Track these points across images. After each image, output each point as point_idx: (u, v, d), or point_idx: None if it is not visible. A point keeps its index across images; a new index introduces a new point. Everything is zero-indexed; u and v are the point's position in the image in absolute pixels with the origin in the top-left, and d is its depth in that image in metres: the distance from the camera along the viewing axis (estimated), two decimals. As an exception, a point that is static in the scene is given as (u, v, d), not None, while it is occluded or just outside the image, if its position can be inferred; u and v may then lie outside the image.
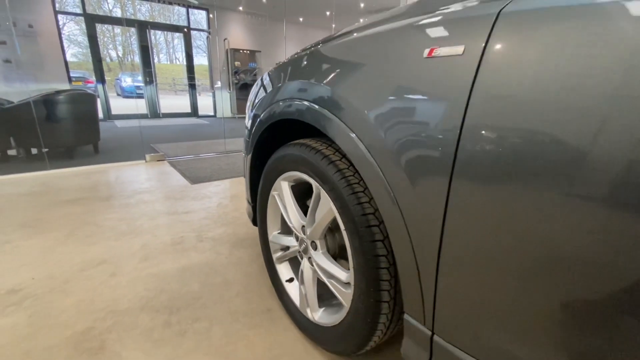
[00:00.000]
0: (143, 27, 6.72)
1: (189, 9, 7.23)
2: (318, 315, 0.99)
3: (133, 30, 6.97)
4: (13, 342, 1.03)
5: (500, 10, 0.47)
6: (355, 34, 0.79)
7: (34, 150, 3.33)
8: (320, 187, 0.85)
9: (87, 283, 1.34)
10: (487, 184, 0.47)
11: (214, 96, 8.04)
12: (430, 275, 0.59)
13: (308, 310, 1.02)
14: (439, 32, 0.55)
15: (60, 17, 5.89)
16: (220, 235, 1.78)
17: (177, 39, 7.87)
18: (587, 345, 0.41)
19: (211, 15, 7.44)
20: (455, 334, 0.58)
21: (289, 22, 8.61)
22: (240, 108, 8.01)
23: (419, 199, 0.57)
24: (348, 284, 0.83)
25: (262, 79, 1.22)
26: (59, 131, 3.23)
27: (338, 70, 0.77)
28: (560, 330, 0.43)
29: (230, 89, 8.01)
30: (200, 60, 8.95)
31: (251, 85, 8.35)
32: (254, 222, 1.34)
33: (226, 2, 7.17)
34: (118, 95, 14.35)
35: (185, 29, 7.33)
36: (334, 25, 9.08)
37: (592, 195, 0.37)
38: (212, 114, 8.28)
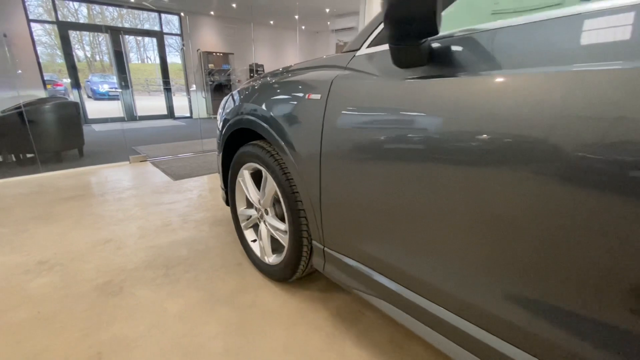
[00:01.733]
0: (116, 33, 6.90)
1: (162, 14, 7.45)
2: (271, 259, 1.48)
3: (105, 33, 7.13)
4: (53, 291, 1.45)
5: (333, 79, 0.97)
6: (278, 79, 1.27)
7: (25, 156, 3.61)
8: (267, 172, 1.33)
9: (100, 254, 1.76)
10: (335, 164, 0.96)
11: (189, 99, 8.29)
12: (318, 214, 1.08)
13: (265, 257, 1.50)
14: (312, 85, 1.05)
15: (33, 24, 6.00)
16: (201, 218, 2.23)
17: (149, 39, 7.91)
18: (396, 232, 0.91)
19: (183, 20, 7.69)
20: (333, 245, 1.08)
21: (259, 24, 8.95)
22: (215, 108, 8.32)
23: (309, 173, 1.06)
24: (286, 231, 1.32)
25: (232, 94, 1.67)
26: (47, 137, 3.52)
27: (270, 98, 1.25)
28: (381, 233, 0.93)
29: (205, 91, 8.30)
30: (173, 58, 9.06)
31: (225, 86, 8.68)
32: (227, 203, 1.80)
33: (198, 7, 7.44)
34: (89, 97, 14.14)
35: (159, 34, 7.55)
36: (303, 27, 9.50)
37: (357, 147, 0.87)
38: (188, 115, 8.54)
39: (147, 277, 1.56)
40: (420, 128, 0.72)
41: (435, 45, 0.74)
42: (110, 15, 8.24)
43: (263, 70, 9.17)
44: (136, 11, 7.56)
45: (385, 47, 0.85)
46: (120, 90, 7.24)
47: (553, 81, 0.54)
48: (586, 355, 0.54)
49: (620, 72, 0.47)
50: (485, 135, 0.60)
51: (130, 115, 7.40)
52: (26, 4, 5.95)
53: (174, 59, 8.80)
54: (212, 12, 7.80)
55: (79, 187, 2.90)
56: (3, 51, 5.86)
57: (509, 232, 0.60)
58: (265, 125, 1.24)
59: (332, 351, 1.13)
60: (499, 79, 0.61)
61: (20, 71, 5.99)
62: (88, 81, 15.05)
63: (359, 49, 0.96)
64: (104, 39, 6.87)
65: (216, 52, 8.12)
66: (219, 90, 8.54)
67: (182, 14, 7.54)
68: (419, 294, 0.82)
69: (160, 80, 8.32)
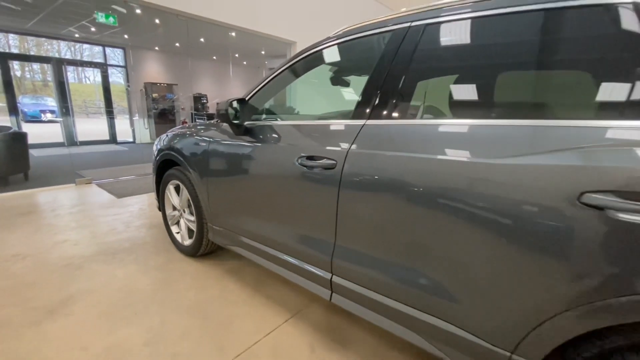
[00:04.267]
0: (59, 63, 7.27)
1: (106, 47, 7.97)
2: (187, 242, 2.32)
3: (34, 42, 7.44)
4: (30, 270, 2.13)
5: (212, 135, 1.91)
6: (187, 131, 2.18)
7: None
8: (182, 186, 2.20)
9: (60, 248, 2.44)
10: (213, 179, 1.88)
11: (132, 125, 8.73)
12: (207, 207, 1.98)
13: (184, 242, 2.34)
14: (203, 136, 1.99)
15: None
16: (140, 224, 2.98)
17: (87, 56, 8.08)
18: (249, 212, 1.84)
19: (127, 53, 8.27)
20: (215, 222, 1.98)
21: (203, 59, 9.80)
22: (159, 133, 8.83)
23: (202, 185, 1.96)
24: (194, 221, 2.18)
25: (166, 134, 2.49)
26: (-4, 163, 3.96)
27: (182, 142, 2.14)
28: (235, 212, 1.85)
29: (148, 117, 8.81)
30: (115, 78, 9.28)
31: (169, 112, 9.28)
32: (159, 209, 2.61)
33: (142, 43, 8.10)
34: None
35: (103, 66, 8.02)
36: (245, 63, 10.54)
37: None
38: (131, 140, 8.92)
39: (100, 259, 2.29)
40: (243, 160, 1.67)
41: (248, 125, 1.71)
42: (51, 45, 8.51)
43: (206, 99, 9.96)
44: (79, 43, 7.98)
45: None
46: (61, 117, 7.49)
47: (291, 135, 1.53)
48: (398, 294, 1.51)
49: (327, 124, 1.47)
50: (260, 161, 1.58)
51: (71, 140, 7.65)
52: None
53: (115, 78, 9.14)
54: (156, 48, 8.50)
55: (32, 205, 3.44)
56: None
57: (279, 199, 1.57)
58: (181, 158, 2.13)
59: (219, 285, 2.00)
60: (265, 145, 1.59)
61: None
62: (18, 102, 14.39)
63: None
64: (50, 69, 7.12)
65: (160, 83, 8.76)
66: (163, 116, 9.11)
67: (126, 48, 8.13)
68: (263, 244, 1.71)
69: (100, 103, 8.68)
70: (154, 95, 8.71)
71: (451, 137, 1.01)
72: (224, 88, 10.48)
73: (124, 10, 4.77)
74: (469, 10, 1.07)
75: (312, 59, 1.59)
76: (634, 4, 0.79)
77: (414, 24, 1.19)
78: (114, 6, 4.64)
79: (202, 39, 7.08)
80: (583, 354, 0.81)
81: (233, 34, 6.04)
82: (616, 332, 0.77)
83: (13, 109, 6.93)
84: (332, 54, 1.54)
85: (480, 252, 0.91)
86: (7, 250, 2.40)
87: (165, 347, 1.48)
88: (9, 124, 6.26)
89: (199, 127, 2.13)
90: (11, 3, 4.95)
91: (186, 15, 4.65)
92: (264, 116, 1.85)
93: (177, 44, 7.76)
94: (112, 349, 1.46)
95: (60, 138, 7.63)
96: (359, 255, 1.23)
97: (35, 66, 10.86)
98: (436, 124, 1.08)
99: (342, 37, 1.45)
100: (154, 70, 8.91)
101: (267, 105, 1.84)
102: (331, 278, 1.35)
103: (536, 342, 0.84)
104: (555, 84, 0.94)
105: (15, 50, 7.52)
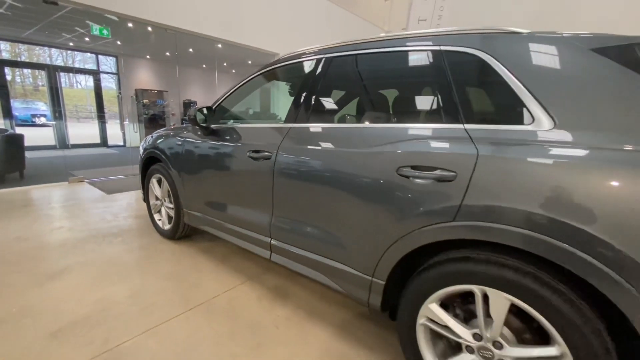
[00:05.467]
0: (53, 71, 7.64)
1: (99, 55, 8.36)
2: (167, 227, 2.74)
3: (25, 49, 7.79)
4: (32, 249, 2.51)
5: (186, 134, 2.36)
6: (168, 133, 2.62)
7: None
8: (164, 179, 2.63)
9: (57, 233, 2.83)
10: (187, 172, 2.31)
11: (123, 130, 9.09)
12: (183, 195, 2.41)
13: (164, 227, 2.76)
14: (180, 135, 2.43)
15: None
16: (127, 215, 3.38)
17: (80, 61, 8.39)
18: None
19: (119, 61, 8.67)
20: (189, 207, 2.41)
21: (193, 67, 10.24)
22: (149, 138, 9.19)
23: (179, 177, 2.40)
24: (173, 208, 2.61)
25: (151, 135, 2.93)
26: (-5, 162, 4.32)
27: (165, 142, 2.57)
28: (202, 197, 2.28)
29: (139, 122, 9.18)
30: (107, 84, 9.61)
31: (160, 117, 9.66)
32: (144, 200, 3.02)
33: (134, 51, 8.52)
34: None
35: (95, 73, 8.40)
36: (234, 71, 11.00)
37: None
38: (121, 143, 9.27)
39: (91, 241, 2.69)
40: (209, 155, 2.12)
41: (214, 128, 2.16)
42: (45, 52, 8.85)
43: (196, 105, 10.36)
44: (74, 51, 8.35)
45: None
46: (53, 121, 7.83)
47: (243, 135, 1.98)
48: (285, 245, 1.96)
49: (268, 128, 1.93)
50: (222, 156, 2.02)
51: (63, 143, 7.97)
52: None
53: (107, 83, 9.50)
54: (148, 56, 8.92)
55: (28, 200, 3.81)
56: None
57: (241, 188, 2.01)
58: (162, 156, 2.56)
59: (191, 260, 2.41)
60: (226, 143, 2.04)
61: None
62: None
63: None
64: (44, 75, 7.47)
65: (151, 90, 9.16)
66: (154, 121, 9.49)
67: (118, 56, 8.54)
68: (223, 220, 2.15)
69: (91, 107, 9.03)
70: (145, 101, 9.09)
71: (338, 135, 1.49)
72: (213, 95, 10.91)
73: (116, 19, 5.20)
74: (353, 49, 1.57)
75: (262, 77, 2.06)
76: (435, 50, 1.28)
77: (326, 55, 1.67)
78: (108, 15, 5.07)
79: (190, 50, 7.53)
80: (411, 272, 1.27)
81: (220, 45, 6.51)
82: (427, 251, 1.22)
83: (7, 113, 7.25)
84: (275, 74, 2.01)
85: (351, 210, 1.37)
86: (10, 234, 2.78)
87: (144, 299, 1.89)
88: (2, 127, 6.60)
89: (178, 129, 2.56)
90: (14, 13, 5.34)
91: (174, 29, 5.11)
92: (231, 121, 2.31)
93: (168, 53, 8.19)
94: (102, 300, 1.87)
95: (52, 141, 7.94)
96: (287, 221, 1.68)
97: (27, 71, 11.16)
98: (332, 127, 1.57)
99: (282, 62, 1.93)
100: (145, 77, 9.31)
101: (230, 112, 2.29)
102: (270, 241, 1.79)
103: (383, 266, 1.30)
104: (390, 100, 1.44)
105: (10, 57, 7.85)
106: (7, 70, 9.02)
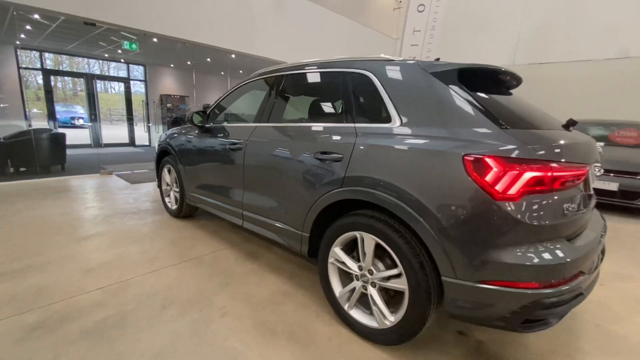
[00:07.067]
0: (90, 78, 8.68)
1: (130, 65, 9.37)
2: (174, 207, 3.40)
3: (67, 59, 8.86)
4: (75, 220, 3.23)
5: (189, 131, 3.00)
6: (179, 131, 3.28)
7: (27, 167, 5.22)
8: (173, 169, 3.28)
9: (91, 212, 3.55)
10: (189, 163, 2.95)
11: (149, 131, 10.05)
12: (185, 179, 3.05)
13: (172, 207, 3.42)
14: (186, 133, 3.07)
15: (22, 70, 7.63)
16: (145, 199, 4.08)
17: (113, 69, 9.51)
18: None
19: (147, 70, 9.65)
20: (189, 190, 3.04)
21: (212, 74, 11.13)
22: (171, 139, 10.11)
23: (184, 168, 3.03)
24: (178, 192, 3.25)
25: (165, 133, 3.61)
26: (43, 156, 5.19)
27: (173, 139, 3.23)
28: (200, 181, 2.91)
29: (163, 124, 10.12)
30: (137, 88, 10.69)
31: (181, 120, 10.58)
32: (158, 187, 3.70)
33: (160, 60, 9.47)
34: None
35: (126, 80, 9.41)
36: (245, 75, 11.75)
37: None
38: (147, 143, 10.24)
39: (115, 216, 3.39)
40: (203, 148, 2.74)
41: (208, 126, 2.78)
42: (83, 61, 10.00)
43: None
44: (108, 61, 9.41)
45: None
46: (90, 123, 8.86)
47: (239, 133, 2.59)
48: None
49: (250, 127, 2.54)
50: (212, 148, 2.64)
51: (97, 142, 8.98)
52: (18, 54, 7.64)
53: (138, 89, 10.56)
54: (172, 65, 9.86)
55: (68, 187, 4.62)
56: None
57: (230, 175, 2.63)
58: (170, 149, 3.22)
59: (190, 232, 3.04)
60: (216, 138, 2.65)
61: (5, 105, 7.53)
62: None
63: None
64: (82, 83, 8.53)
65: (174, 95, 10.09)
66: (176, 123, 10.41)
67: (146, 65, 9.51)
68: (211, 198, 2.77)
69: (123, 111, 10.07)
70: (169, 105, 10.03)
71: (283, 131, 2.07)
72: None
73: (143, 35, 6.02)
74: (297, 69, 2.15)
75: (244, 87, 2.66)
76: (344, 72, 1.82)
77: (283, 73, 2.25)
78: (133, 34, 5.90)
79: (208, 59, 8.34)
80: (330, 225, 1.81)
81: (233, 55, 7.25)
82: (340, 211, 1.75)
83: (52, 115, 8.32)
84: (253, 85, 2.60)
85: (289, 184, 1.93)
86: (55, 210, 3.53)
87: (150, 254, 2.52)
88: (47, 127, 7.64)
89: (184, 129, 3.22)
90: (61, 31, 6.30)
91: (191, 42, 5.86)
92: (225, 122, 2.92)
93: (189, 62, 9.06)
94: (120, 254, 2.52)
95: (87, 141, 8.98)
96: (252, 195, 2.26)
97: (68, 79, 12.51)
98: (279, 126, 2.15)
99: (256, 76, 2.52)
100: (169, 83, 10.26)
101: (220, 114, 2.91)
102: (242, 212, 2.37)
103: (307, 223, 1.84)
104: (316, 106, 1.99)
105: (56, 67, 8.98)
106: (52, 78, 10.23)
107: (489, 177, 1.20)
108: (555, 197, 1.23)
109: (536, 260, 1.17)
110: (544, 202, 1.21)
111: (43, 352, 1.48)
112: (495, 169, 1.19)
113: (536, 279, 1.18)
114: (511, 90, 1.90)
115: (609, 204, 4.35)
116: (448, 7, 6.97)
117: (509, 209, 1.17)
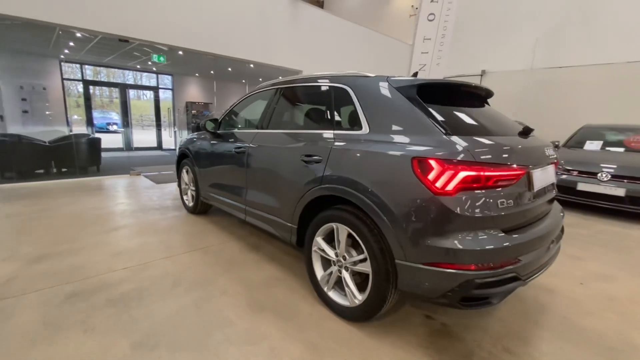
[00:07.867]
0: (124, 87, 9.45)
1: (159, 75, 10.11)
2: (191, 204, 3.79)
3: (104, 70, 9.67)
4: (107, 214, 3.70)
5: (198, 136, 3.38)
6: (197, 137, 3.68)
7: (68, 168, 5.86)
8: (190, 170, 3.68)
9: (120, 206, 4.02)
10: (203, 166, 3.32)
11: (175, 135, 10.75)
12: (200, 178, 3.43)
13: (189, 204, 3.82)
14: (201, 138, 3.46)
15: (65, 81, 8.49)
16: (167, 198, 4.52)
17: (145, 78, 10.39)
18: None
19: (174, 79, 10.36)
20: (203, 188, 3.41)
21: (234, 82, 11.72)
22: (195, 143, 10.76)
23: (199, 170, 3.42)
24: (194, 190, 3.64)
25: (185, 138, 4.03)
26: (81, 158, 5.81)
27: (191, 144, 3.63)
28: (214, 183, 3.28)
29: (188, 130, 10.78)
30: (165, 95, 11.51)
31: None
32: (178, 186, 4.11)
33: (186, 70, 10.14)
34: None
35: (155, 89, 10.15)
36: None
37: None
38: (173, 147, 10.93)
39: (140, 211, 3.82)
40: (214, 151, 3.11)
41: (219, 132, 3.14)
42: (117, 72, 10.87)
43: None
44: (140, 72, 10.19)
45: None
46: (122, 129, 9.63)
47: (246, 139, 2.94)
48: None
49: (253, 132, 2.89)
50: (222, 151, 2.99)
51: (128, 146, 9.74)
52: (62, 66, 8.50)
53: (167, 96, 11.34)
54: (197, 74, 10.52)
55: (102, 185, 5.17)
56: (41, 99, 8.28)
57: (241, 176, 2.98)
58: (188, 152, 3.61)
59: (203, 226, 3.41)
60: (225, 143, 3.01)
61: (49, 112, 8.37)
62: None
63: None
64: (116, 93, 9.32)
65: (198, 102, 10.74)
66: (199, 129, 11.08)
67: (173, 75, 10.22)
68: (220, 195, 3.12)
69: (152, 117, 10.83)
70: (194, 111, 10.68)
71: (278, 137, 2.38)
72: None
73: (171, 48, 6.58)
74: (290, 83, 2.46)
75: (250, 98, 3.00)
76: (328, 85, 2.10)
77: (279, 86, 2.56)
78: (163, 48, 6.46)
79: (229, 69, 8.87)
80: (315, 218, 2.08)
81: (251, 65, 7.71)
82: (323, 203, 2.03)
83: (89, 121, 9.13)
84: (258, 95, 2.94)
85: (281, 182, 2.23)
86: (90, 205, 4.02)
87: (167, 243, 2.90)
88: (85, 132, 8.41)
89: (201, 134, 3.61)
90: (98, 46, 7.01)
91: (211, 54, 6.35)
92: (236, 127, 3.27)
93: (212, 72, 9.65)
94: (143, 242, 2.91)
95: (120, 144, 9.76)
96: (253, 192, 2.57)
97: (104, 88, 13.61)
98: (275, 132, 2.45)
99: (259, 88, 2.86)
100: (194, 91, 10.94)
101: (230, 121, 3.27)
102: (245, 207, 2.69)
103: (295, 216, 2.12)
104: (305, 115, 2.28)
105: (94, 78, 9.86)
106: (90, 87, 11.18)
107: (430, 176, 1.43)
108: (490, 194, 1.45)
109: (469, 246, 1.39)
110: (478, 198, 1.43)
111: (78, 313, 1.85)
112: (435, 169, 1.43)
113: (469, 262, 1.40)
114: (488, 100, 2.12)
115: (616, 209, 4.33)
116: (461, 14, 7.09)
117: (446, 202, 1.41)
